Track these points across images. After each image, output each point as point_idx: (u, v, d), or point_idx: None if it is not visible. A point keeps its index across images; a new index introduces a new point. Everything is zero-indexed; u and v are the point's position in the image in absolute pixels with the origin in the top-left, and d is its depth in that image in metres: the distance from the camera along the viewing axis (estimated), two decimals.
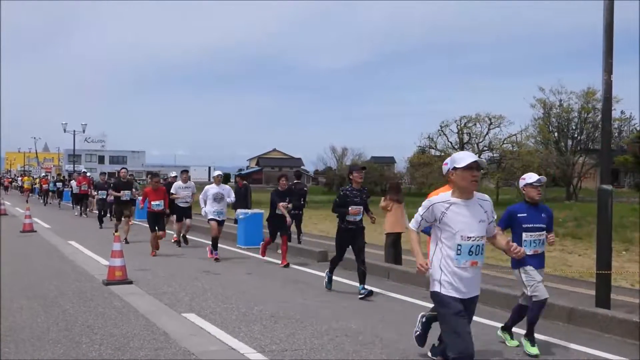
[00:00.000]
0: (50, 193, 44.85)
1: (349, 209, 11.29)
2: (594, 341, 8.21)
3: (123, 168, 22.34)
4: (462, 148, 53.28)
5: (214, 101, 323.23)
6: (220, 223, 16.17)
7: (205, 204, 16.27)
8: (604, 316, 8.80)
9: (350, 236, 11.40)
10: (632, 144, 63.09)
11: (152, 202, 16.88)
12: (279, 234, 14.88)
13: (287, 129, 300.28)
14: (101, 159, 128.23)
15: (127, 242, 19.06)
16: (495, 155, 55.03)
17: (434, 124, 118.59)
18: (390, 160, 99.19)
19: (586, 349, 7.84)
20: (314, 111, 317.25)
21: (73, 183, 35.00)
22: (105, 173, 30.56)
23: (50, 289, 11.27)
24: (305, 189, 20.28)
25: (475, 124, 53.89)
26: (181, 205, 19.31)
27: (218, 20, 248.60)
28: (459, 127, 54.00)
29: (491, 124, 53.04)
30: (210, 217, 16.11)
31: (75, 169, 68.42)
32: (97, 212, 26.94)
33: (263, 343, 7.71)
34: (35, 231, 22.84)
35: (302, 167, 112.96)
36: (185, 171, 19.95)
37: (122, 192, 20.63)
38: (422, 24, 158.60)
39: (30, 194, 53.60)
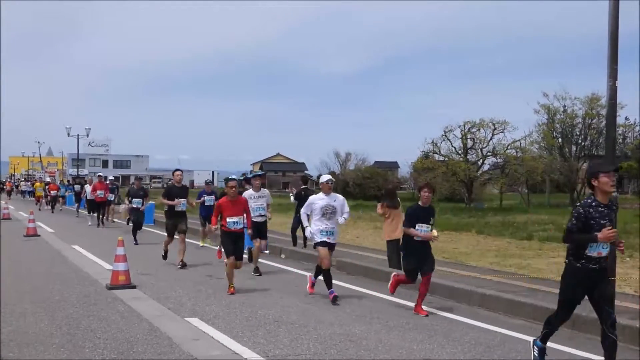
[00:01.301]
0: (60, 199, 43.21)
1: (595, 235, 6.74)
2: (598, 347, 8.17)
3: (177, 170, 16.96)
4: (465, 153, 53.28)
5: (218, 105, 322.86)
6: (331, 247, 11.58)
7: (308, 220, 11.76)
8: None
9: (590, 281, 7.00)
10: (636, 150, 63.06)
11: (228, 219, 12.00)
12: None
13: (291, 134, 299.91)
14: (105, 163, 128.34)
15: (184, 266, 15.21)
16: (499, 160, 54.94)
17: (438, 128, 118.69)
18: (394, 165, 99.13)
19: (590, 355, 7.83)
20: (318, 116, 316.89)
21: (87, 187, 31.79)
22: (140, 178, 25.76)
23: (53, 293, 11.27)
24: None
25: (479, 130, 53.81)
26: (253, 220, 14.20)
27: (222, 25, 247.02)
28: (462, 132, 53.95)
29: (495, 129, 52.97)
30: (318, 239, 11.51)
31: (79, 173, 68.44)
32: (132, 224, 22.26)
33: (266, 348, 7.71)
34: (39, 235, 22.85)
35: (305, 171, 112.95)
36: (257, 176, 15.96)
37: (176, 200, 16.17)
38: (426, 29, 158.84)
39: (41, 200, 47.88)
